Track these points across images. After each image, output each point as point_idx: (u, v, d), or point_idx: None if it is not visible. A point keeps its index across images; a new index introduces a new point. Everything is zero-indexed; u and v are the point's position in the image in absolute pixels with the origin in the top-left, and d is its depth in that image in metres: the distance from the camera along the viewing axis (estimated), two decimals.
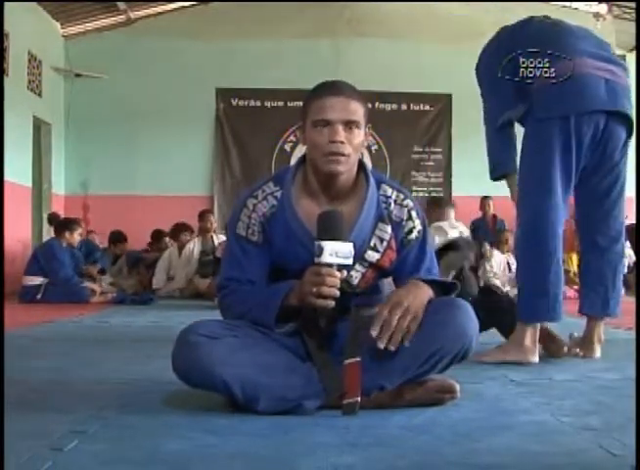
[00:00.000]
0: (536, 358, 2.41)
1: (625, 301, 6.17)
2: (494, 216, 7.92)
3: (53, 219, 6.68)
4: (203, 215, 6.78)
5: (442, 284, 1.74)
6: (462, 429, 1.47)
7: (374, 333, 1.54)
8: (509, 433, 1.44)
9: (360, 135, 1.67)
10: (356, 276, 1.74)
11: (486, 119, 2.59)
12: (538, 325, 2.46)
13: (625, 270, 7.67)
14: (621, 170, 2.51)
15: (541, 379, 2.11)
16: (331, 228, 1.57)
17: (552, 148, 2.38)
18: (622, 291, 2.65)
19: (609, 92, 2.39)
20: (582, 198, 2.57)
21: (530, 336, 2.42)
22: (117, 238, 7.36)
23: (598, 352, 2.58)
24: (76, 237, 6.15)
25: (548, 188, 2.37)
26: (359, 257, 1.70)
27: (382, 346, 1.53)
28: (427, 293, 1.65)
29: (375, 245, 1.74)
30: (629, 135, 2.49)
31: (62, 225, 6.19)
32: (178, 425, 1.50)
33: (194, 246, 6.57)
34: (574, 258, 6.53)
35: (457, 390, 1.70)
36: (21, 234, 6.88)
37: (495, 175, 2.57)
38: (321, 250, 1.54)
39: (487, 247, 4.12)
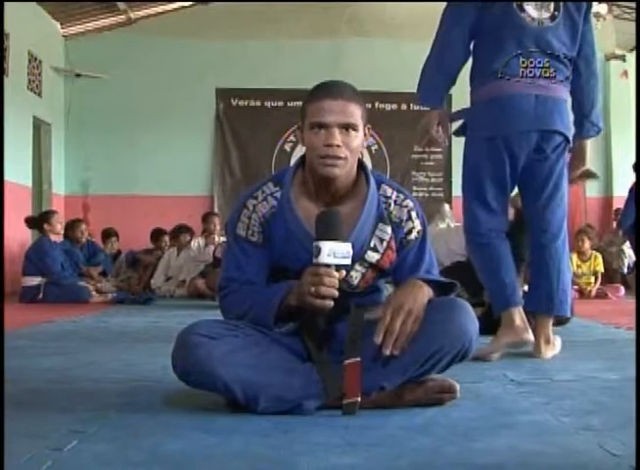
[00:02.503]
0: (530, 336, 2.47)
1: (625, 301, 6.20)
2: None
3: (30, 221, 6.34)
4: (207, 217, 7.01)
5: (441, 283, 1.74)
6: (462, 429, 1.47)
7: (377, 340, 1.55)
8: (509, 433, 1.44)
9: (358, 137, 1.67)
10: (356, 276, 1.74)
11: (445, 30, 2.62)
12: (520, 307, 2.53)
13: (625, 270, 7.71)
14: (555, 167, 2.52)
15: (541, 379, 2.11)
16: (329, 228, 1.57)
17: (483, 165, 2.54)
18: (572, 291, 2.67)
19: (539, 109, 2.45)
20: (525, 197, 2.65)
21: (518, 316, 2.49)
22: (107, 234, 7.31)
23: (547, 353, 2.55)
24: (57, 225, 6.05)
25: (482, 201, 2.55)
26: (359, 257, 1.70)
27: (387, 352, 1.55)
28: (426, 293, 1.65)
29: (375, 245, 1.74)
30: (566, 138, 2.52)
31: (37, 221, 6.11)
32: (178, 425, 1.50)
33: (198, 245, 6.70)
34: (575, 258, 6.55)
35: (457, 390, 1.70)
36: (21, 234, 6.87)
37: (424, 105, 2.73)
38: (319, 250, 1.54)
39: None
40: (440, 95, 2.64)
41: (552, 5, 2.49)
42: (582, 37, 2.55)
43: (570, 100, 2.57)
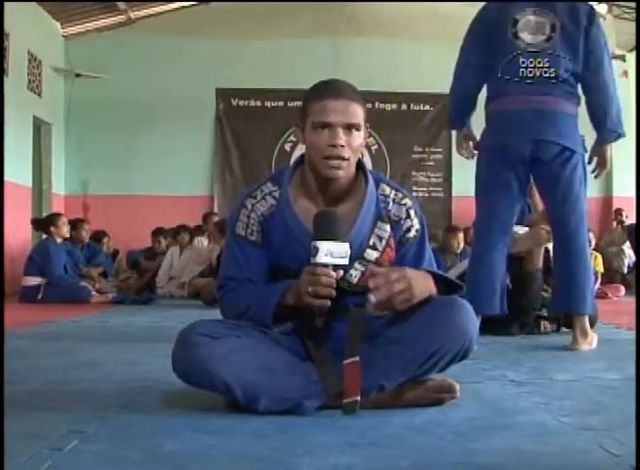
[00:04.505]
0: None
1: (625, 301, 6.19)
2: None
3: (36, 223, 6.36)
4: (207, 217, 7.16)
5: (448, 282, 1.73)
6: (462, 429, 1.47)
7: (372, 284, 1.54)
8: (508, 433, 1.44)
9: (360, 137, 1.67)
10: (355, 275, 1.73)
11: (460, 66, 2.94)
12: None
13: (625, 270, 7.72)
14: (561, 174, 2.75)
15: (541, 379, 2.11)
16: (326, 228, 1.57)
17: (490, 170, 2.87)
18: (592, 286, 2.83)
19: (535, 122, 2.73)
20: (545, 203, 2.95)
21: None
22: (97, 237, 7.23)
23: (583, 346, 2.74)
24: (64, 228, 6.01)
25: (488, 205, 2.90)
26: (359, 255, 1.70)
27: (373, 299, 1.54)
28: (431, 288, 1.64)
29: (374, 244, 1.74)
30: (566, 147, 2.74)
31: (44, 224, 6.08)
32: (178, 425, 1.50)
33: (202, 246, 6.74)
34: (599, 258, 6.57)
35: (456, 389, 1.70)
36: (21, 234, 6.87)
37: (452, 129, 3.18)
38: (316, 250, 1.54)
39: None
40: (461, 119, 3.01)
41: (548, 28, 2.73)
42: (587, 51, 2.74)
43: (576, 111, 2.79)
